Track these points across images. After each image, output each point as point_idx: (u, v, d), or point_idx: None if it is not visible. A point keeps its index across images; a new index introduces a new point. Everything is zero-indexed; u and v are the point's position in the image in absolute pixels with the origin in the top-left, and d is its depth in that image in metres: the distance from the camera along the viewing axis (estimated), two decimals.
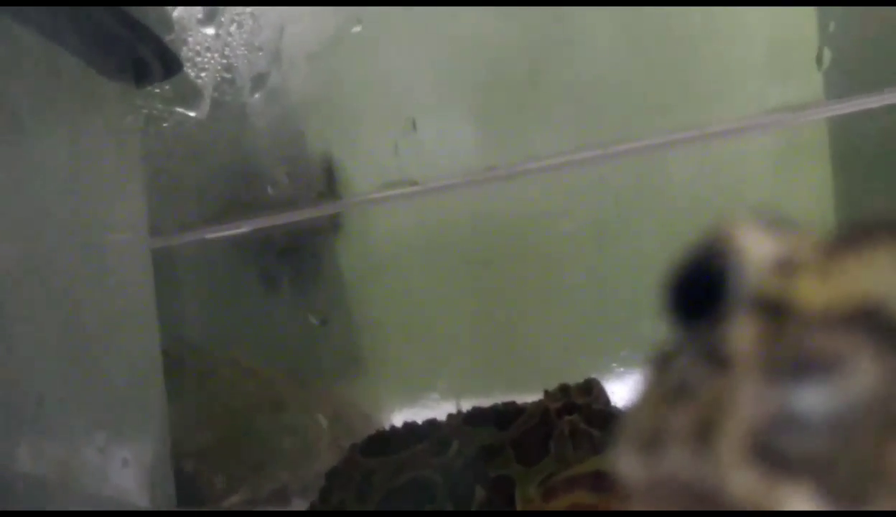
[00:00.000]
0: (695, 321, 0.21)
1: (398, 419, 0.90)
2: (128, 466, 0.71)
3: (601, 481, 0.61)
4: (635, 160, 0.92)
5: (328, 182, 0.98)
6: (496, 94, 0.95)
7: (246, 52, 0.93)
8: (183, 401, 0.87)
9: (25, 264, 0.61)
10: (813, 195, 0.94)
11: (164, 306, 0.80)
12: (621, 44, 0.93)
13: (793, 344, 0.19)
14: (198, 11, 0.92)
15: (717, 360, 0.20)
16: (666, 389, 0.22)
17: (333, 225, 1.01)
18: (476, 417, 0.74)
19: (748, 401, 0.19)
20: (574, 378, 0.77)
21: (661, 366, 0.23)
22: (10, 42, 0.62)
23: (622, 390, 0.82)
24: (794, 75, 0.90)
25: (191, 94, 0.93)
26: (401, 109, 0.93)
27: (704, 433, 0.20)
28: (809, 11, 0.88)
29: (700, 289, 0.21)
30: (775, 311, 0.20)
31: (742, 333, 0.20)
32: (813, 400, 0.18)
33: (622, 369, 0.90)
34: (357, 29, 0.92)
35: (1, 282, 0.59)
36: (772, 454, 0.18)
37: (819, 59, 0.86)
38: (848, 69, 0.87)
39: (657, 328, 0.23)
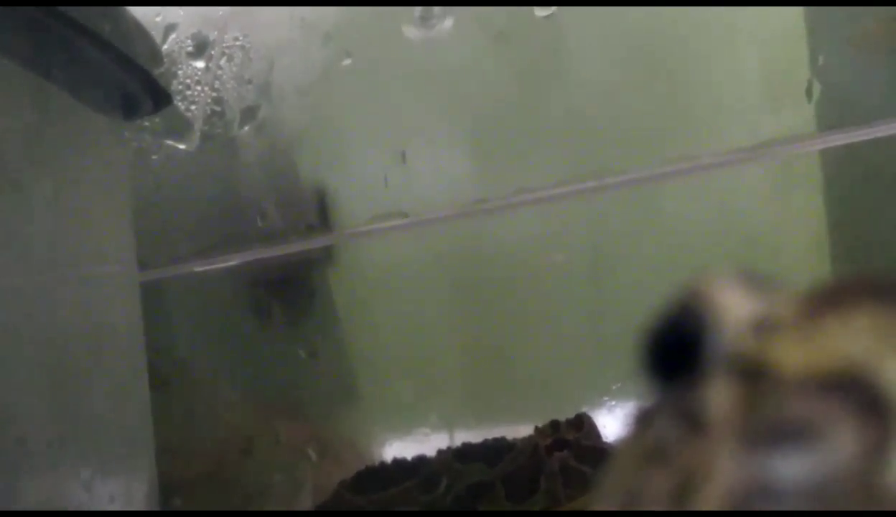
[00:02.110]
0: (672, 381, 0.21)
1: (389, 453, 0.89)
2: (114, 502, 0.70)
3: None
4: (628, 192, 0.92)
5: (320, 214, 0.98)
6: (487, 125, 0.95)
7: (236, 84, 0.93)
8: (171, 436, 0.86)
9: (9, 300, 0.61)
10: (807, 226, 0.94)
11: (153, 340, 0.79)
12: (614, 76, 0.93)
13: (770, 409, 0.18)
14: (188, 44, 0.92)
15: (694, 423, 0.20)
16: (644, 449, 0.21)
17: (325, 257, 1.00)
18: (466, 453, 0.74)
19: (723, 468, 0.18)
20: (566, 411, 0.76)
21: (641, 423, 0.22)
22: None
23: (614, 424, 0.82)
24: (785, 108, 0.90)
25: (180, 127, 0.92)
26: (390, 141, 0.93)
27: (679, 498, 0.19)
28: (800, 44, 0.89)
29: (676, 349, 0.21)
30: (753, 374, 0.19)
31: (719, 396, 0.19)
32: (789, 468, 0.17)
33: (614, 402, 0.89)
34: (347, 62, 0.92)
35: None
36: None
37: (809, 92, 0.87)
38: (838, 102, 0.87)
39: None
